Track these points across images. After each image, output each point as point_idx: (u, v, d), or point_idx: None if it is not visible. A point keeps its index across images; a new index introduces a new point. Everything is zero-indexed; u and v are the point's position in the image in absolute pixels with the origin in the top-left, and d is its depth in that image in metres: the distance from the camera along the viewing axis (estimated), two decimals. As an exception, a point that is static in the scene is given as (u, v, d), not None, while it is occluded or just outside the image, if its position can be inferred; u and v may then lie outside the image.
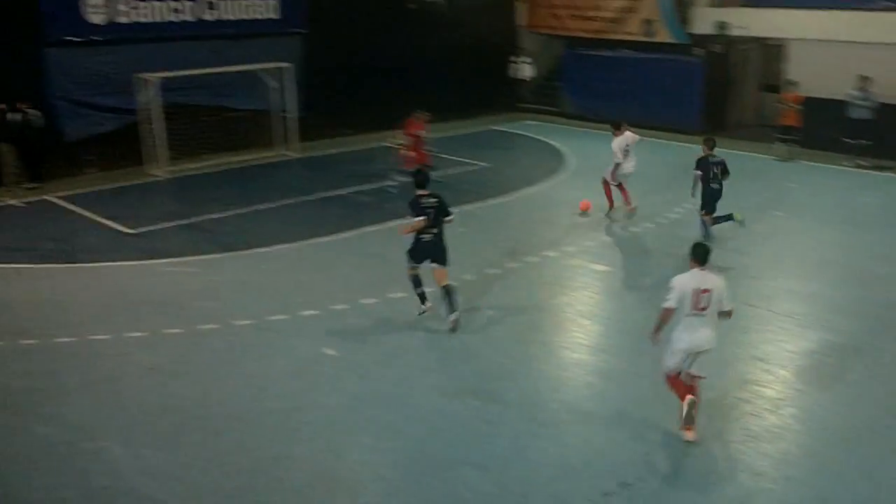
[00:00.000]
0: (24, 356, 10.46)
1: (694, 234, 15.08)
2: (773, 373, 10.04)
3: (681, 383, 8.67)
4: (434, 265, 11.24)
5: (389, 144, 22.58)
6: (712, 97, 23.80)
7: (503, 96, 27.84)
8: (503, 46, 27.57)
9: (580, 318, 11.71)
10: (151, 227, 15.63)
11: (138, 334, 10.99)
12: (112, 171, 19.66)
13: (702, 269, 8.49)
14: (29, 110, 18.05)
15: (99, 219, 16.18)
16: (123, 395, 9.51)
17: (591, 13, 26.20)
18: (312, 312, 11.69)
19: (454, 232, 15.19)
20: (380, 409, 9.20)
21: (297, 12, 22.27)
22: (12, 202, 17.49)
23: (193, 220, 16.11)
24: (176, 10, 20.24)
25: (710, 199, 14.39)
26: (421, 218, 11.07)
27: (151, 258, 14.00)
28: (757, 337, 10.99)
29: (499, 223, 16.05)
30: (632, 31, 25.28)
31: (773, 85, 23.42)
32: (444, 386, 9.71)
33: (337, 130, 23.08)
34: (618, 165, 16.08)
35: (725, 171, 14.29)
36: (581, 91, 26.34)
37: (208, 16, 20.77)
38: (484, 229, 15.62)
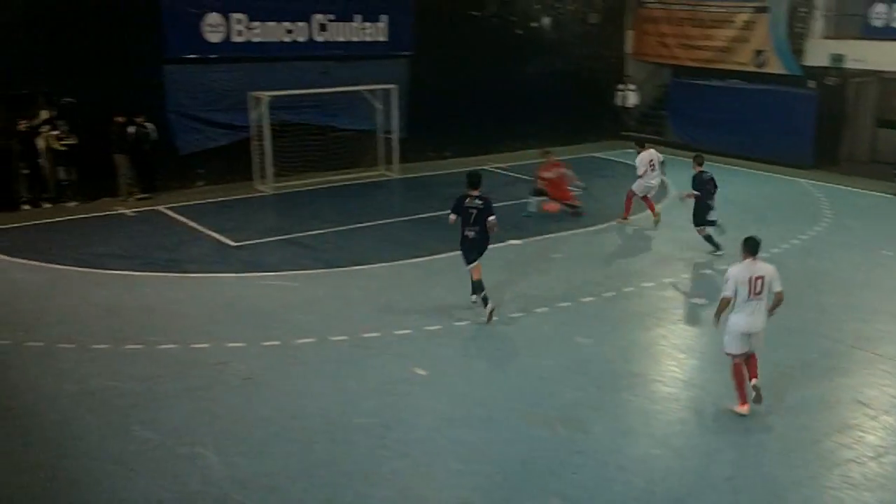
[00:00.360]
0: (128, 360, 10.85)
1: (799, 268, 14.72)
2: (877, 419, 9.66)
3: (742, 370, 9.60)
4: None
5: (490, 169, 22.75)
6: (824, 131, 23.18)
7: (607, 123, 27.68)
8: (609, 73, 27.43)
9: (675, 350, 11.50)
10: (255, 241, 16.03)
11: (237, 344, 11.26)
12: (220, 185, 20.33)
13: (753, 260, 9.48)
14: (145, 124, 18.82)
15: (205, 230, 16.69)
16: (219, 403, 9.77)
17: (700, 42, 25.85)
18: (406, 331, 11.79)
19: (548, 258, 15.34)
20: (467, 432, 9.21)
21: (404, 35, 22.63)
22: (125, 211, 18.22)
23: (295, 235, 16.46)
24: (289, 31, 20.82)
25: (702, 214, 15.23)
26: (453, 216, 12.04)
27: (253, 271, 14.34)
28: (860, 381, 10.61)
29: (595, 251, 15.91)
30: (742, 61, 24.83)
31: (890, 120, 22.65)
32: (533, 412, 9.66)
33: (438, 153, 23.29)
34: (640, 178, 17.29)
35: (715, 186, 15.31)
36: (687, 120, 26.01)
37: (319, 37, 21.28)
38: (580, 257, 15.51)
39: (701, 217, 15.41)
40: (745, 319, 9.39)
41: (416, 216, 17.90)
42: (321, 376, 10.46)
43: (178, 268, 14.48)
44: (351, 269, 14.52)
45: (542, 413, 9.65)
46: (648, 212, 17.59)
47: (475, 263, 12.17)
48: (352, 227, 17.09)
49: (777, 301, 9.51)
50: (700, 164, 15.56)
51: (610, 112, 27.52)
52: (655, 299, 13.41)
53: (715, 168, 23.49)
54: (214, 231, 16.60)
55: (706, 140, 25.30)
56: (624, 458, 8.79)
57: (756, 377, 9.57)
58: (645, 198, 17.49)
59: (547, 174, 18.20)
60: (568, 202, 18.17)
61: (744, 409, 9.59)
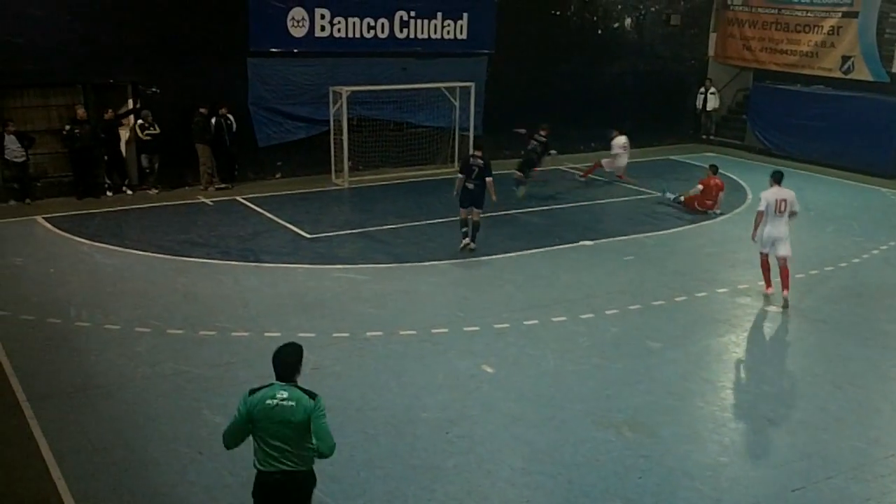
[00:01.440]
0: (202, 346, 11.02)
1: (877, 279, 14.27)
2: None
3: (767, 262, 13.13)
4: (473, 208, 14.96)
5: (566, 169, 22.58)
6: (911, 140, 22.42)
7: (687, 126, 27.24)
8: (690, 76, 27.00)
9: (748, 358, 11.24)
10: (329, 234, 16.17)
11: (308, 334, 11.34)
12: (297, 178, 20.54)
13: (779, 187, 12.86)
14: (227, 115, 19.14)
15: (281, 221, 16.87)
16: (288, 391, 9.83)
17: (785, 46, 25.24)
18: (474, 328, 11.75)
19: (619, 259, 15.15)
20: (532, 432, 9.12)
21: (484, 33, 22.56)
22: (204, 200, 18.55)
23: (368, 229, 16.56)
24: (370, 27, 20.90)
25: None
26: (461, 176, 15.01)
27: (326, 263, 14.45)
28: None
29: (669, 254, 15.66)
30: (828, 66, 24.19)
31: (982, 130, 21.80)
32: (600, 415, 9.52)
33: (513, 151, 23.13)
34: (616, 157, 21.08)
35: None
36: (768, 126, 25.45)
37: (400, 33, 21.33)
38: (653, 259, 15.28)
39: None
40: (770, 230, 12.81)
41: (490, 214, 17.73)
42: (388, 370, 10.47)
43: (254, 257, 14.66)
44: (421, 265, 14.53)
45: (609, 416, 9.50)
46: (719, 220, 17.60)
47: (469, 209, 14.90)
48: (424, 222, 17.13)
49: (792, 215, 12.88)
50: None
51: (689, 115, 27.08)
52: (729, 305, 13.12)
53: (795, 175, 23.05)
54: (290, 223, 16.77)
55: (787, 146, 24.80)
56: (691, 464, 8.60)
57: (787, 289, 12.87)
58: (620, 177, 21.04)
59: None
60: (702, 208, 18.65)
61: (769, 290, 13.19)
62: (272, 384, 6.26)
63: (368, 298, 12.84)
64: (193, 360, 10.60)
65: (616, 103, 25.02)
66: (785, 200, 12.75)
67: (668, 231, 17.21)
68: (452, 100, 21.53)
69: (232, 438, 6.34)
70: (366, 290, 13.18)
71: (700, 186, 18.63)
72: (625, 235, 16.65)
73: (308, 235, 16.03)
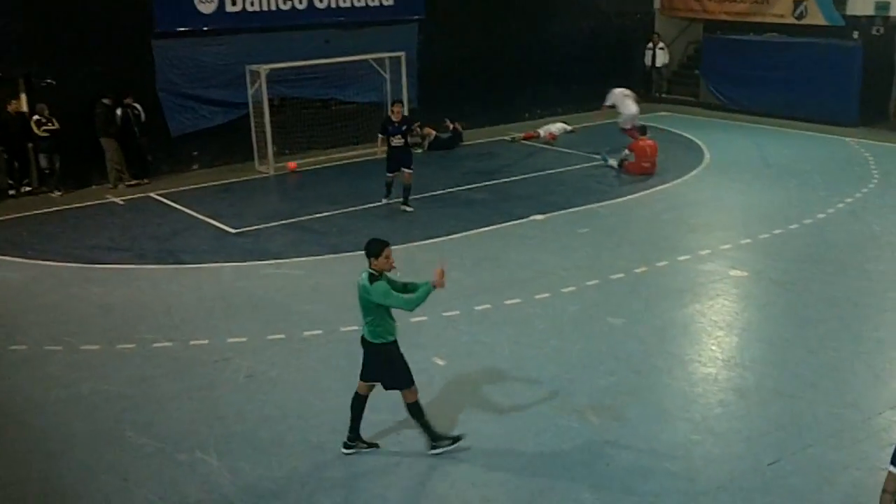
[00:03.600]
0: (121, 361, 10.79)
1: (844, 233, 14.51)
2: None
3: None
4: (403, 169, 16.33)
5: (508, 139, 22.61)
6: (871, 86, 22.86)
7: (637, 85, 27.29)
8: (637, 32, 27.21)
9: (714, 328, 11.32)
10: (256, 227, 15.96)
11: (239, 339, 11.19)
12: (217, 168, 20.30)
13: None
14: (134, 104, 18.76)
15: (202, 217, 16.63)
16: (221, 403, 9.69)
17: (734, -6, 25.54)
18: (421, 318, 11.60)
19: (573, 233, 15.22)
20: (490, 425, 9.08)
21: (412, -1, 22.49)
22: (114, 200, 18.17)
23: (300, 219, 16.39)
24: (286, -1, 20.72)
25: None
26: (381, 136, 16.59)
27: (255, 259, 14.27)
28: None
29: (626, 224, 15.74)
30: (780, 13, 24.54)
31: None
32: (562, 401, 9.52)
33: (454, 123, 23.10)
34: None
35: None
36: (722, 79, 25.77)
37: (319, 3, 21.10)
38: (609, 230, 15.34)
39: None
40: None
41: (432, 193, 17.75)
42: (331, 371, 10.37)
43: (173, 259, 14.42)
44: (361, 254, 14.16)
45: (571, 401, 9.51)
46: (675, 183, 17.98)
47: (398, 172, 16.23)
48: (360, 207, 16.99)
49: None
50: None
51: (639, 73, 27.26)
52: (692, 273, 13.23)
53: (754, 129, 23.31)
54: (211, 218, 16.53)
55: (743, 100, 25.12)
56: (662, 444, 8.64)
57: None
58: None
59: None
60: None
61: None
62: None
63: (304, 295, 12.70)
64: (112, 377, 10.38)
65: (560, 65, 25.12)
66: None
67: (622, 199, 17.30)
68: (382, 72, 21.36)
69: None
70: (301, 286, 13.05)
71: (627, 151, 18.98)
72: (577, 207, 16.71)
73: (233, 230, 15.83)
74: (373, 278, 8.13)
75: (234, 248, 14.89)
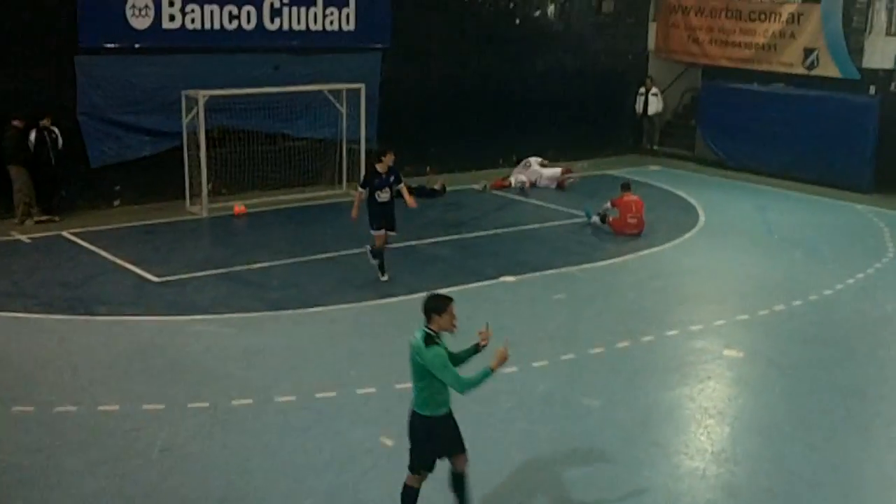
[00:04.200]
0: (16, 427, 10.56)
1: (854, 313, 14.63)
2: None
3: None
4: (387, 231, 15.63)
5: (479, 188, 22.74)
6: (888, 147, 23.21)
7: (624, 135, 27.82)
8: (628, 75, 27.63)
9: (704, 415, 11.31)
10: (184, 276, 15.84)
11: (155, 406, 11.03)
12: (142, 206, 20.18)
13: None
14: (51, 128, 18.63)
15: (121, 262, 16.48)
16: (129, 481, 9.48)
17: (738, 38, 25.99)
18: (370, 390, 11.60)
19: (548, 299, 15.23)
20: (443, 519, 8.97)
21: (378, 23, 22.66)
22: (19, 237, 17.98)
23: (235, 269, 16.29)
24: (232, 16, 20.72)
25: None
26: (362, 190, 15.48)
27: (181, 314, 14.14)
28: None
29: (608, 291, 15.79)
30: (789, 61, 24.96)
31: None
32: (528, 495, 9.43)
33: (416, 168, 23.19)
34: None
35: None
36: (721, 133, 26.17)
37: (271, 24, 21.22)
38: (589, 297, 15.38)
39: None
40: None
41: (389, 246, 17.68)
42: (260, 447, 10.22)
43: (85, 309, 14.25)
44: (304, 312, 14.37)
45: (537, 496, 9.42)
46: (665, 248, 18.35)
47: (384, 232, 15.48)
48: (306, 259, 16.96)
49: None
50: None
51: (628, 121, 27.63)
52: (680, 351, 13.26)
53: (755, 190, 23.63)
54: (132, 263, 16.40)
55: (744, 156, 25.48)
56: (640, 553, 8.56)
57: None
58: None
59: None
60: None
61: None
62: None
63: (235, 357, 12.57)
64: (6, 445, 10.15)
65: (541, 108, 25.39)
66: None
67: (605, 262, 17.37)
68: (338, 105, 21.44)
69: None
70: (232, 347, 12.91)
71: (608, 205, 19.24)
72: (553, 269, 16.75)
73: (156, 279, 15.70)
74: (429, 340, 8.06)
75: (157, 300, 14.75)
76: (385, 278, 15.69)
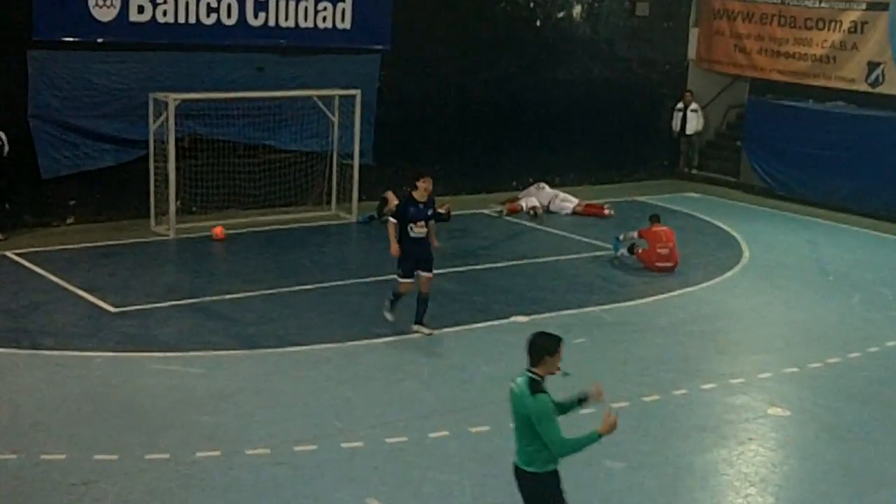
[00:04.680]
0: (-55, 475, 10.54)
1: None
2: None
3: None
4: (421, 272, 14.91)
5: (493, 213, 22.74)
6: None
7: (659, 157, 27.82)
8: (664, 87, 27.70)
9: (743, 483, 11.25)
10: (145, 306, 15.83)
11: (108, 457, 10.97)
12: (100, 224, 20.24)
13: None
14: (-3, 132, 18.74)
15: (73, 288, 16.48)
16: (75, 542, 9.44)
17: (792, 48, 26.06)
18: (357, 444, 11.55)
19: (568, 343, 15.07)
20: None
21: (377, 22, 22.76)
22: (-43, 258, 18.09)
23: (205, 299, 16.29)
24: (211, 9, 20.78)
25: None
26: (394, 221, 14.90)
27: (140, 349, 14.11)
28: None
29: (635, 336, 15.73)
30: (850, 76, 25.00)
31: None
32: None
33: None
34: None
35: None
36: (770, 156, 26.16)
37: (255, 19, 21.30)
38: (613, 343, 15.33)
39: None
40: None
41: (382, 277, 17.66)
42: (227, 507, 10.16)
43: (29, 341, 14.24)
44: (283, 352, 14.35)
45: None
46: (702, 287, 18.25)
47: (416, 274, 14.80)
48: (288, 290, 16.95)
49: None
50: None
51: (663, 141, 27.63)
52: (718, 407, 13.21)
53: (808, 223, 23.57)
54: (86, 290, 16.41)
55: (796, 184, 25.44)
56: None
57: None
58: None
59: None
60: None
61: None
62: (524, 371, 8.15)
63: (201, 401, 12.52)
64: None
65: (563, 122, 25.41)
66: None
67: (633, 302, 17.34)
68: (330, 114, 21.49)
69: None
70: (198, 390, 12.87)
71: (635, 235, 19.27)
72: (573, 308, 16.72)
73: (113, 309, 15.69)
74: (536, 386, 8.02)
75: (113, 333, 14.72)
76: (391, 318, 15.22)
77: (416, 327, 15.11)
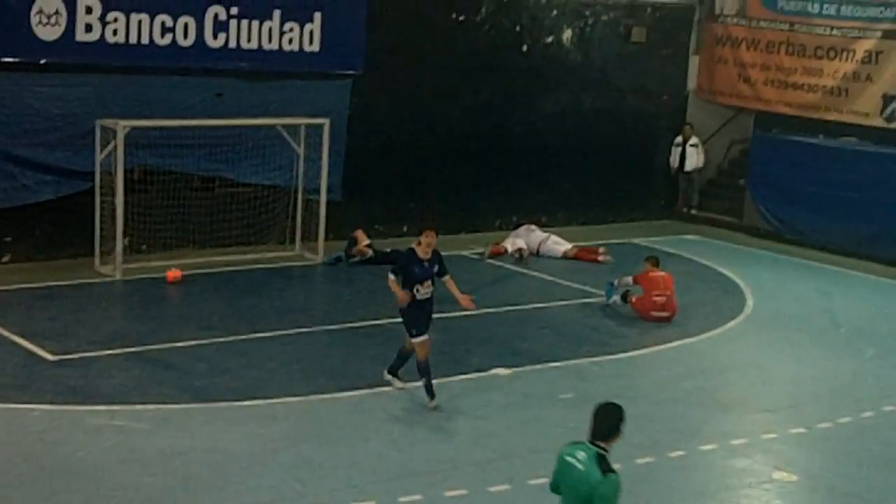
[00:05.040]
0: None
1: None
2: None
3: None
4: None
5: (475, 255, 22.71)
6: None
7: (656, 195, 27.90)
8: (661, 120, 27.82)
9: (748, 558, 11.22)
10: (87, 354, 15.73)
11: (41, 523, 10.88)
12: (38, 264, 20.14)
13: None
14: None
15: (7, 334, 16.37)
16: None
17: (801, 79, 26.26)
18: (315, 511, 11.48)
19: (554, 398, 15.11)
20: None
21: (348, 45, 22.75)
22: None
23: (153, 347, 16.19)
24: (166, 28, 20.74)
25: None
26: (394, 277, 14.46)
27: (80, 402, 14.01)
28: None
29: (628, 391, 15.59)
30: (864, 110, 25.15)
31: None
32: None
33: (389, 227, 23.19)
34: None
35: None
36: (777, 196, 26.26)
37: (214, 41, 21.29)
38: (603, 398, 15.07)
39: None
40: None
41: (349, 325, 17.78)
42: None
43: (-44, 393, 14.16)
44: (239, 406, 14.26)
45: None
46: (702, 338, 18.32)
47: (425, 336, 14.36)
48: (246, 338, 16.89)
49: None
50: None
51: (660, 178, 27.70)
52: (718, 471, 13.22)
53: (818, 270, 23.61)
54: (21, 336, 16.30)
55: (805, 226, 25.49)
56: None
57: None
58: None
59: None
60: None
61: None
62: (582, 442, 8.14)
63: (147, 462, 12.41)
64: None
65: (549, 158, 25.45)
66: None
67: (626, 354, 17.32)
68: (295, 145, 21.47)
69: (553, 481, 8.34)
70: (143, 449, 12.75)
71: (630, 280, 19.28)
72: (560, 360, 16.71)
73: (51, 357, 15.59)
74: (605, 464, 7.86)
75: (52, 384, 14.61)
76: (401, 385, 14.86)
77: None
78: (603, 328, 18.64)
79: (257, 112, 21.41)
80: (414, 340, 14.34)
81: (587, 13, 26.25)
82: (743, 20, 27.28)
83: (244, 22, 21.53)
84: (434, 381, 14.65)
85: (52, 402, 13.93)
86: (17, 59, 19.58)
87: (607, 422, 8.04)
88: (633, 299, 19.05)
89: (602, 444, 7.93)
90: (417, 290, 14.24)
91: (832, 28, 25.64)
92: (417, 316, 14.33)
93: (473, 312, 18.67)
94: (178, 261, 20.56)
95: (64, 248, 20.40)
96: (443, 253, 20.57)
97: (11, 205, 19.90)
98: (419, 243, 14.32)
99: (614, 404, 8.16)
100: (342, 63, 22.74)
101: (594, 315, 19.30)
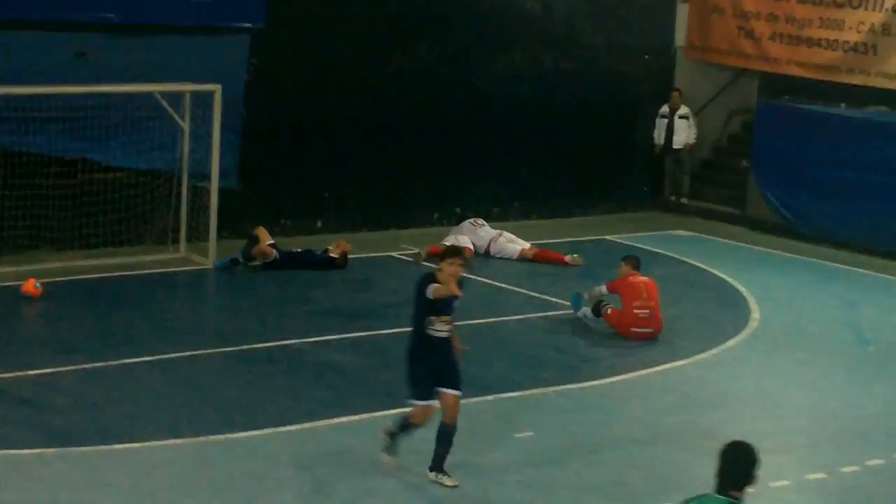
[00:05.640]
0: None
1: None
2: None
3: None
4: (447, 390, 13.65)
5: (407, 255, 22.70)
6: None
7: (636, 180, 28.02)
8: (643, 84, 28.00)
9: None
10: (-86, 385, 15.67)
11: None
12: None
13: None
14: None
15: None
16: None
17: (817, 33, 26.35)
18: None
19: (509, 437, 15.07)
20: None
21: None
22: None
23: (1, 376, 16.10)
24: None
25: None
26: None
27: None
28: None
29: (601, 428, 15.75)
30: (892, 72, 25.19)
31: None
32: None
33: (299, 223, 23.19)
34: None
35: None
36: (788, 181, 26.36)
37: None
38: (572, 438, 15.32)
39: None
40: None
41: (248, 346, 17.72)
42: None
43: None
44: (108, 450, 14.16)
45: None
46: (694, 360, 18.40)
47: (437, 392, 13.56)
48: (117, 363, 16.83)
49: None
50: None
51: (642, 158, 27.81)
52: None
53: (840, 272, 23.77)
54: None
55: (823, 219, 25.61)
56: None
57: None
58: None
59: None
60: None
61: None
62: (707, 494, 8.23)
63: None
64: None
65: (502, 133, 25.47)
66: None
67: (599, 381, 17.41)
68: (178, 118, 21.37)
69: None
70: (-15, 504, 12.69)
71: (602, 288, 19.36)
72: (516, 390, 16.75)
73: None
74: None
75: None
76: (392, 464, 13.87)
77: (433, 475, 13.69)
78: (570, 349, 18.69)
79: (130, 76, 21.34)
80: (415, 402, 13.69)
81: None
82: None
83: (116, -38, 21.57)
84: (350, 418, 14.70)
85: None
86: None
87: (740, 466, 8.17)
88: (609, 311, 19.05)
89: (736, 495, 8.07)
90: (432, 325, 13.62)
91: (856, -31, 25.87)
92: (424, 363, 13.67)
93: (403, 329, 18.74)
94: (31, 266, 20.49)
95: None
96: (366, 254, 20.68)
97: None
98: (440, 270, 13.66)
99: (745, 444, 8.30)
100: (238, 14, 22.80)
101: (558, 332, 19.35)
